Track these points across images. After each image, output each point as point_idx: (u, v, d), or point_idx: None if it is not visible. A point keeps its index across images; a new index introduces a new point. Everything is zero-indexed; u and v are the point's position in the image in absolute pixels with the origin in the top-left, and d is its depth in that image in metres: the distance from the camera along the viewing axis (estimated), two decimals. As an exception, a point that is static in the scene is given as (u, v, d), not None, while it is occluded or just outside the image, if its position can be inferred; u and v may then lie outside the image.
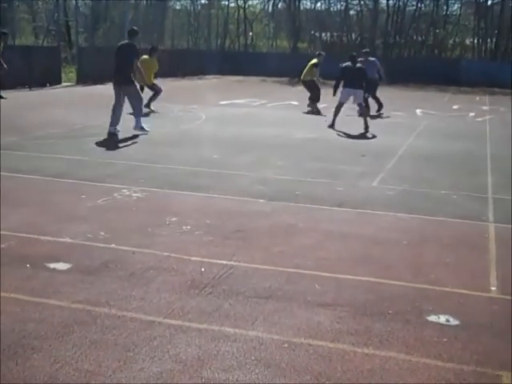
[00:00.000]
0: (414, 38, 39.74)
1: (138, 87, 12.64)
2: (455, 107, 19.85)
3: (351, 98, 13.55)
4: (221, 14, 42.53)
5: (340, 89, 13.64)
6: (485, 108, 20.07)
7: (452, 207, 6.96)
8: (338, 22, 42.23)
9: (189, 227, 5.85)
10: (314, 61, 17.00)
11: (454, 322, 4.01)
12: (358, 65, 13.73)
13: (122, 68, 11.56)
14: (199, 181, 7.84)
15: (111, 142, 10.64)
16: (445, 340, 3.75)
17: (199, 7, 43.73)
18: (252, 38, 44.25)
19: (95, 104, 16.92)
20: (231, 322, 3.90)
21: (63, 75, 24.05)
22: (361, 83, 13.29)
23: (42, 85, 21.47)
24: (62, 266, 4.77)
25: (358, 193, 7.54)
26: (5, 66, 17.19)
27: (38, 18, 36.14)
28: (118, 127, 11.32)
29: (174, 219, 6.08)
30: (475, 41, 40.34)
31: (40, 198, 6.81)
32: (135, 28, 12.31)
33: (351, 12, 43.40)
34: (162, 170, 8.43)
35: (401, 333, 3.83)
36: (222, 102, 18.48)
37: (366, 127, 12.87)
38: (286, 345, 3.64)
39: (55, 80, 22.59)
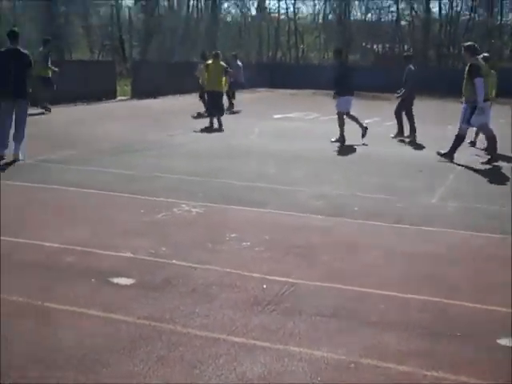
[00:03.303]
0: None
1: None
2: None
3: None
4: (272, 26, 42.76)
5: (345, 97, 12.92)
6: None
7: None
8: (389, 33, 41.99)
9: (248, 243, 5.86)
10: None
11: (524, 345, 3.90)
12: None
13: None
14: (256, 196, 7.86)
15: (162, 156, 10.74)
16: (516, 364, 3.66)
17: (249, 19, 44.07)
18: (303, 50, 44.31)
19: (149, 118, 17.20)
20: (296, 341, 3.88)
21: (118, 89, 24.46)
22: None
23: (98, 99, 21.88)
24: (125, 281, 4.83)
25: (417, 209, 7.44)
26: (54, 69, 17.36)
27: (93, 33, 36.95)
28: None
29: (233, 235, 6.10)
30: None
31: (99, 213, 6.91)
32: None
33: (402, 22, 43.13)
34: (218, 185, 8.47)
35: (471, 356, 3.75)
36: (275, 115, 18.54)
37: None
38: (352, 365, 3.60)
39: (111, 94, 23.00)
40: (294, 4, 44.10)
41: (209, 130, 14.61)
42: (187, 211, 7.01)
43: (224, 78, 15.69)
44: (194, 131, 14.20)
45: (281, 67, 37.39)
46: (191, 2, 43.52)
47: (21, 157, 9.70)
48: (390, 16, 42.99)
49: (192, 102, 20.05)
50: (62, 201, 7.39)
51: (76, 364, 3.52)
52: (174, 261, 5.30)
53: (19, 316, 4.11)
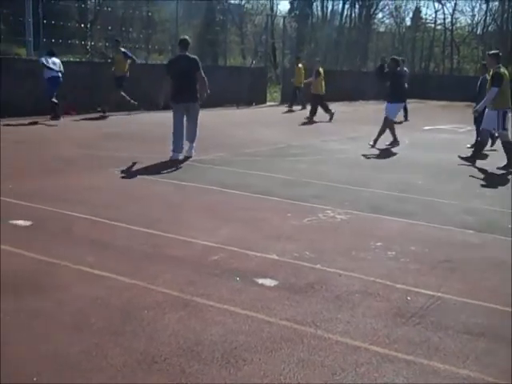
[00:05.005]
0: None
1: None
2: None
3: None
4: (426, 36, 41.74)
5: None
6: None
7: None
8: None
9: (394, 253, 5.74)
10: None
11: None
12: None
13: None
14: (403, 206, 7.69)
15: (312, 162, 10.79)
16: None
17: (404, 30, 43.27)
18: (458, 62, 42.85)
19: (297, 124, 17.39)
20: (440, 357, 3.75)
21: (268, 95, 24.93)
22: None
23: (249, 103, 22.42)
24: (269, 282, 4.89)
25: None
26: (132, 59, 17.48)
27: (246, 41, 37.89)
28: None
29: (378, 244, 6.01)
30: None
31: (247, 214, 7.06)
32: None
33: None
34: (365, 194, 8.38)
35: None
36: (425, 127, 18.08)
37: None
38: (501, 388, 3.42)
39: (261, 99, 23.50)
40: (452, 14, 42.71)
41: (360, 138, 14.49)
42: (332, 217, 7.00)
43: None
44: (347, 138, 14.15)
45: (433, 78, 36.37)
46: (345, 13, 43.54)
47: (193, 154, 10.41)
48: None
49: (343, 110, 20.04)
50: (212, 200, 7.64)
51: (219, 358, 3.61)
52: (318, 266, 5.30)
53: (167, 307, 4.29)
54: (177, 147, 10.29)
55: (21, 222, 6.14)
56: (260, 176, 9.24)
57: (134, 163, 9.64)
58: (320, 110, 18.44)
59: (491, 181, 9.80)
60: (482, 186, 9.38)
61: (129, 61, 17.00)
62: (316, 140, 13.77)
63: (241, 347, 3.75)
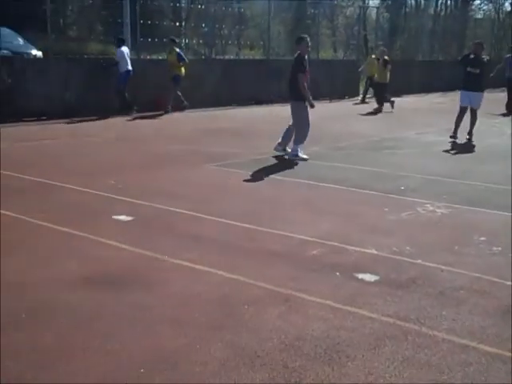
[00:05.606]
0: None
1: None
2: None
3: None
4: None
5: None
6: None
7: None
8: None
9: (500, 248, 5.52)
10: None
11: None
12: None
13: (291, 82, 10.13)
14: (505, 199, 7.38)
15: (407, 155, 10.55)
16: None
17: (503, 15, 41.61)
18: None
19: (392, 116, 17.07)
20: (555, 358, 3.56)
21: (360, 87, 24.59)
22: None
23: (341, 97, 22.20)
24: (369, 277, 4.80)
25: None
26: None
27: (337, 33, 37.50)
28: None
29: (482, 239, 5.79)
30: None
31: (344, 208, 6.98)
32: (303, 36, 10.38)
33: None
34: (463, 186, 8.12)
35: None
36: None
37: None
38: None
39: (353, 92, 23.20)
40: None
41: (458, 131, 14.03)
42: (432, 211, 6.81)
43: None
44: (444, 130, 13.74)
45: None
46: (440, 0, 42.31)
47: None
48: None
49: (439, 101, 19.52)
50: (308, 194, 7.59)
51: (322, 354, 3.57)
52: (419, 260, 5.17)
53: (268, 302, 4.28)
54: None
55: (123, 217, 6.31)
56: (354, 169, 9.12)
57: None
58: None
59: None
60: None
61: (181, 63, 16.27)
62: (411, 132, 13.44)
63: (343, 343, 3.70)
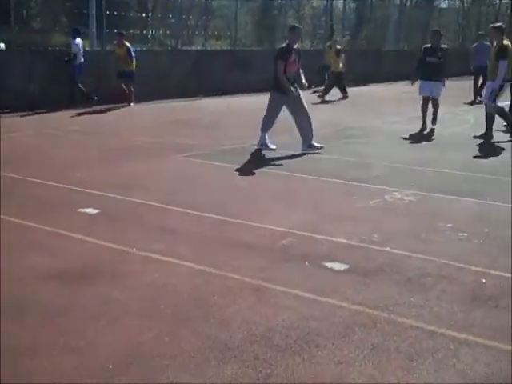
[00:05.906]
0: None
1: None
2: None
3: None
4: (492, 11, 40.46)
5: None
6: None
7: None
8: None
9: (465, 234, 5.58)
10: None
11: None
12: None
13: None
14: (471, 186, 7.47)
15: (374, 144, 10.60)
16: None
17: (467, 5, 41.97)
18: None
19: (359, 105, 17.13)
20: (522, 342, 3.60)
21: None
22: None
23: (308, 86, 22.22)
24: (338, 266, 4.81)
25: None
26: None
27: (304, 24, 37.52)
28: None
29: (448, 225, 5.84)
30: None
31: (313, 197, 6.98)
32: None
33: None
34: (430, 174, 8.19)
35: None
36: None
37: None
38: None
39: (320, 82, 23.22)
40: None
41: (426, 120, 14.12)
42: (399, 199, 6.85)
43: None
44: (412, 118, 13.81)
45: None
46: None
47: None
48: None
49: (404, 90, 19.58)
50: (277, 185, 7.58)
51: (292, 345, 3.56)
52: (387, 248, 5.19)
53: (237, 293, 4.25)
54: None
55: (89, 210, 6.22)
56: (324, 159, 9.14)
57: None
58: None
59: None
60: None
61: (130, 60, 15.50)
62: (378, 121, 13.48)
63: (313, 333, 3.70)
